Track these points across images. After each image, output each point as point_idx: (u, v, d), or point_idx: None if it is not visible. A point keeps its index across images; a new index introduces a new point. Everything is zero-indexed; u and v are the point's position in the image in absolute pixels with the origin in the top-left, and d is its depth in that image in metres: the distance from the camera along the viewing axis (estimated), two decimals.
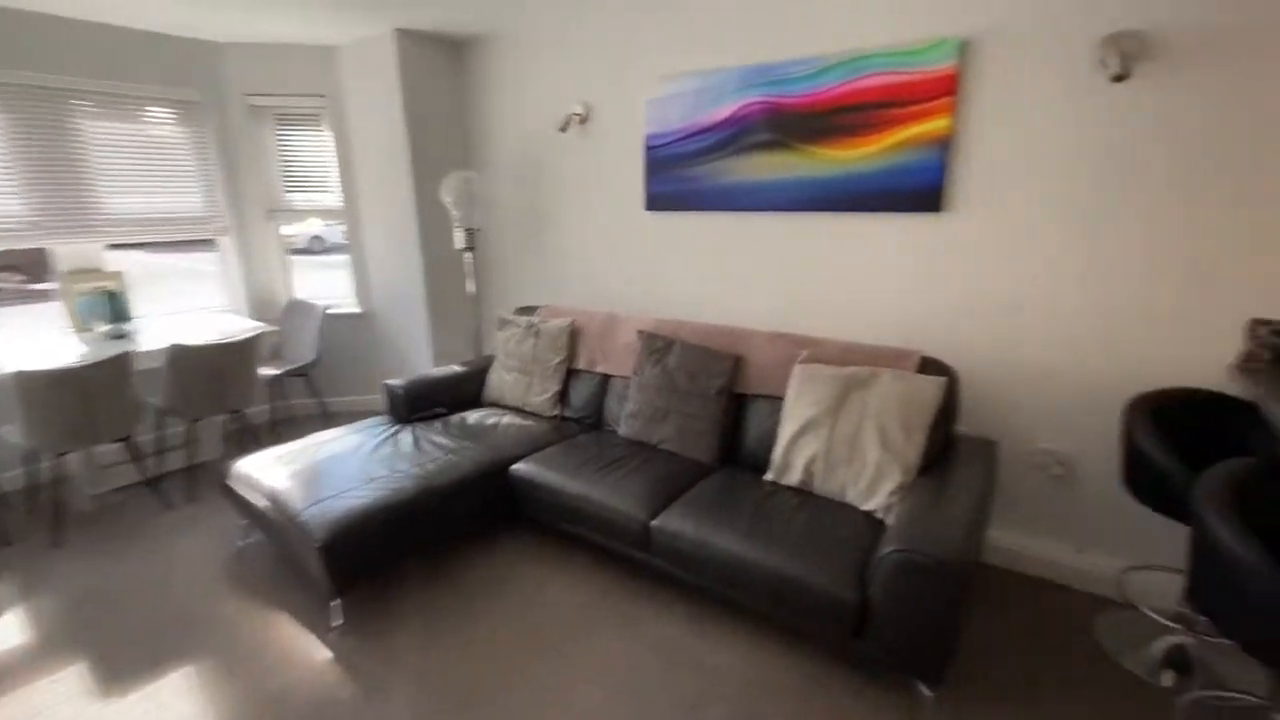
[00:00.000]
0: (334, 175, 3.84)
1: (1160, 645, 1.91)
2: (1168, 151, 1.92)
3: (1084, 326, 2.14)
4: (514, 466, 2.46)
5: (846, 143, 2.44)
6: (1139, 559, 2.18)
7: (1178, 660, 1.86)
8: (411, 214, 3.60)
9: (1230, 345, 1.94)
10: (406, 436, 2.64)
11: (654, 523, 2.06)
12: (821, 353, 2.31)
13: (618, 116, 3.09)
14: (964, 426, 2.42)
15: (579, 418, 2.90)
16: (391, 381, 2.92)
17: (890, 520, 1.86)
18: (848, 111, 2.41)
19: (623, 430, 2.65)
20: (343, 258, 4.00)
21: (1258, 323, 1.89)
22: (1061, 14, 2.00)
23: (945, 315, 2.38)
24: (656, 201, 3.02)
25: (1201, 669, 1.83)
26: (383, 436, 2.64)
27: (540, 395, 2.95)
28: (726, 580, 1.90)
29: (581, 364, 2.94)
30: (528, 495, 2.42)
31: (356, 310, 4.02)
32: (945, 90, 2.21)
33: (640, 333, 2.72)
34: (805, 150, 2.54)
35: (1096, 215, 2.06)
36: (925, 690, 1.74)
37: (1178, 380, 2.02)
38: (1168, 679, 1.81)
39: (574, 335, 2.99)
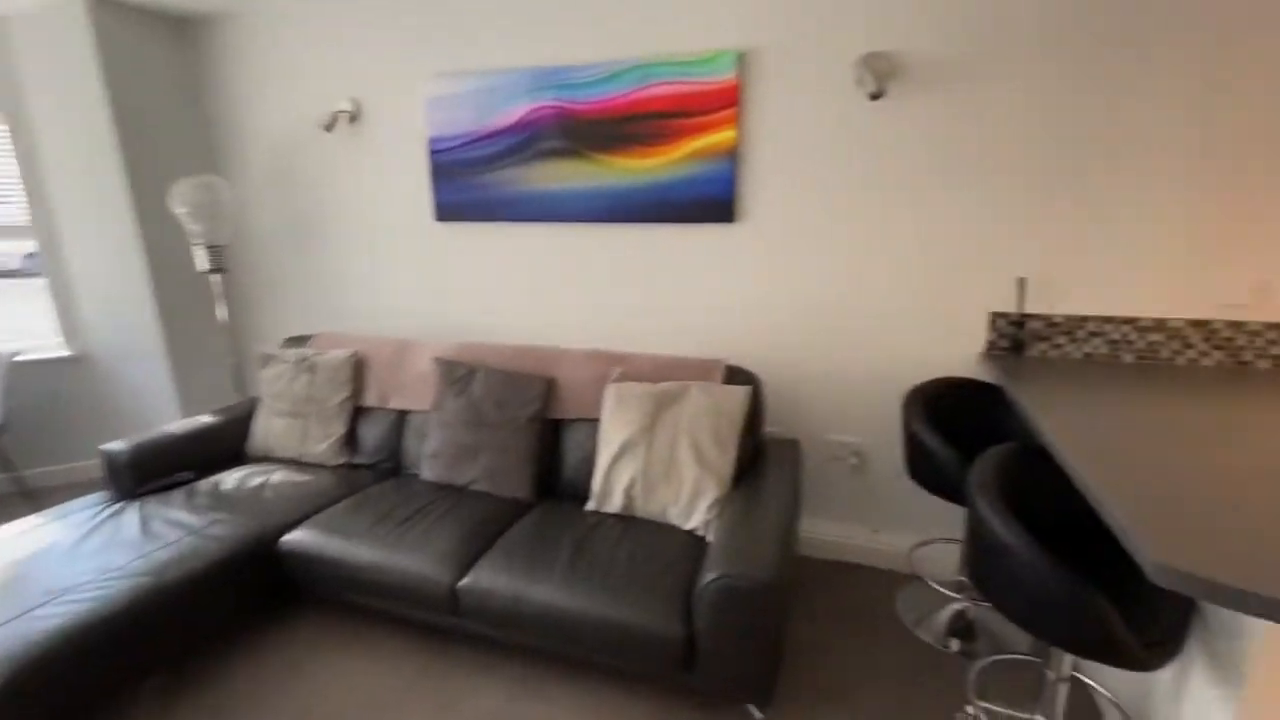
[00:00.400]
0: (14, 181, 2.94)
1: (946, 614, 2.11)
2: (920, 163, 2.12)
3: (863, 325, 2.30)
4: (285, 538, 2.02)
5: (640, 152, 2.38)
6: (927, 534, 2.41)
7: (960, 627, 2.06)
8: (131, 228, 2.88)
9: (981, 336, 2.20)
10: (131, 518, 2.05)
11: (461, 584, 1.79)
12: (633, 369, 2.22)
13: (395, 115, 2.73)
14: (773, 426, 2.49)
15: (373, 463, 2.51)
16: (111, 446, 2.27)
17: (711, 537, 1.81)
18: (639, 120, 2.35)
19: (426, 474, 2.32)
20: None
21: (996, 315, 2.16)
22: (822, 34, 2.11)
23: (746, 322, 2.43)
24: (447, 211, 2.72)
25: (984, 633, 2.04)
26: (96, 522, 2.03)
27: (321, 442, 2.50)
28: (549, 635, 1.71)
29: (371, 400, 2.55)
30: (305, 571, 2.00)
31: (64, 353, 3.13)
32: (729, 102, 2.23)
33: (438, 360, 2.41)
34: (600, 159, 2.43)
35: (867, 224, 2.22)
36: (756, 713, 1.71)
37: (946, 370, 2.25)
38: (955, 645, 1.99)
39: (359, 367, 2.58)
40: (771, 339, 2.42)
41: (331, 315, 3.12)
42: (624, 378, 2.19)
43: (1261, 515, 1.08)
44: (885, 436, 2.37)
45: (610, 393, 2.14)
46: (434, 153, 2.66)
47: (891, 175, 2.15)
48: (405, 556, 1.88)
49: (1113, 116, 1.92)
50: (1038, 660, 1.89)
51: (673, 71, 2.28)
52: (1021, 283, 2.10)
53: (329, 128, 2.80)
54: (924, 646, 2.01)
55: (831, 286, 2.31)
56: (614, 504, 2.05)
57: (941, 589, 2.18)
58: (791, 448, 2.24)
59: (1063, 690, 1.53)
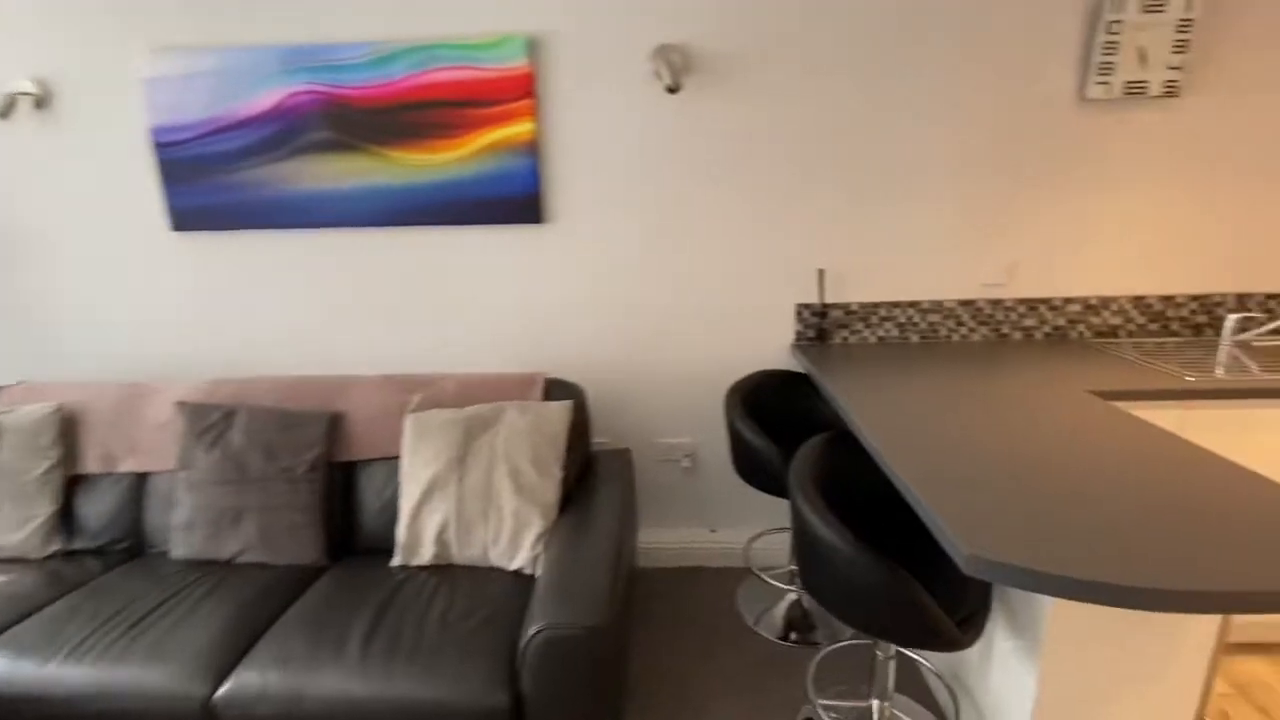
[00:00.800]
0: None
1: (783, 607, 2.13)
2: (721, 159, 2.10)
3: (683, 324, 2.25)
4: None
5: (429, 145, 2.09)
6: (763, 526, 2.43)
7: (796, 618, 2.09)
8: None
9: (791, 327, 2.24)
10: None
11: (219, 693, 1.40)
12: (438, 394, 1.94)
13: (100, 99, 2.15)
14: (602, 437, 2.35)
15: (100, 547, 1.94)
16: None
17: (539, 572, 1.61)
18: (421, 109, 2.06)
19: (178, 550, 1.83)
20: None
21: (802, 306, 2.22)
22: (616, 22, 2.00)
23: (565, 329, 2.26)
24: (187, 219, 2.20)
25: (821, 621, 2.08)
26: None
27: (17, 529, 1.87)
28: None
29: (91, 465, 1.97)
30: None
31: None
32: (524, 91, 2.04)
33: (182, 404, 1.92)
34: (380, 154, 2.11)
35: (678, 221, 2.15)
36: None
37: (764, 362, 2.27)
38: (794, 638, 2.01)
39: (68, 425, 1.98)
40: (594, 345, 2.28)
41: (36, 360, 2.40)
42: (426, 405, 1.90)
43: (1039, 494, 1.13)
44: (715, 434, 2.35)
45: (410, 424, 1.84)
46: (162, 146, 2.13)
47: (697, 171, 2.11)
48: (139, 670, 1.43)
49: (887, 117, 2.04)
50: (868, 641, 1.96)
51: (457, 55, 2.03)
52: (821, 274, 2.18)
53: (4, 114, 2.13)
54: (766, 644, 2.00)
55: (649, 286, 2.22)
56: (424, 554, 1.76)
57: (775, 582, 2.20)
58: (622, 458, 2.12)
59: (891, 668, 1.56)
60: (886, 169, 2.08)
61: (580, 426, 1.96)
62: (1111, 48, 1.89)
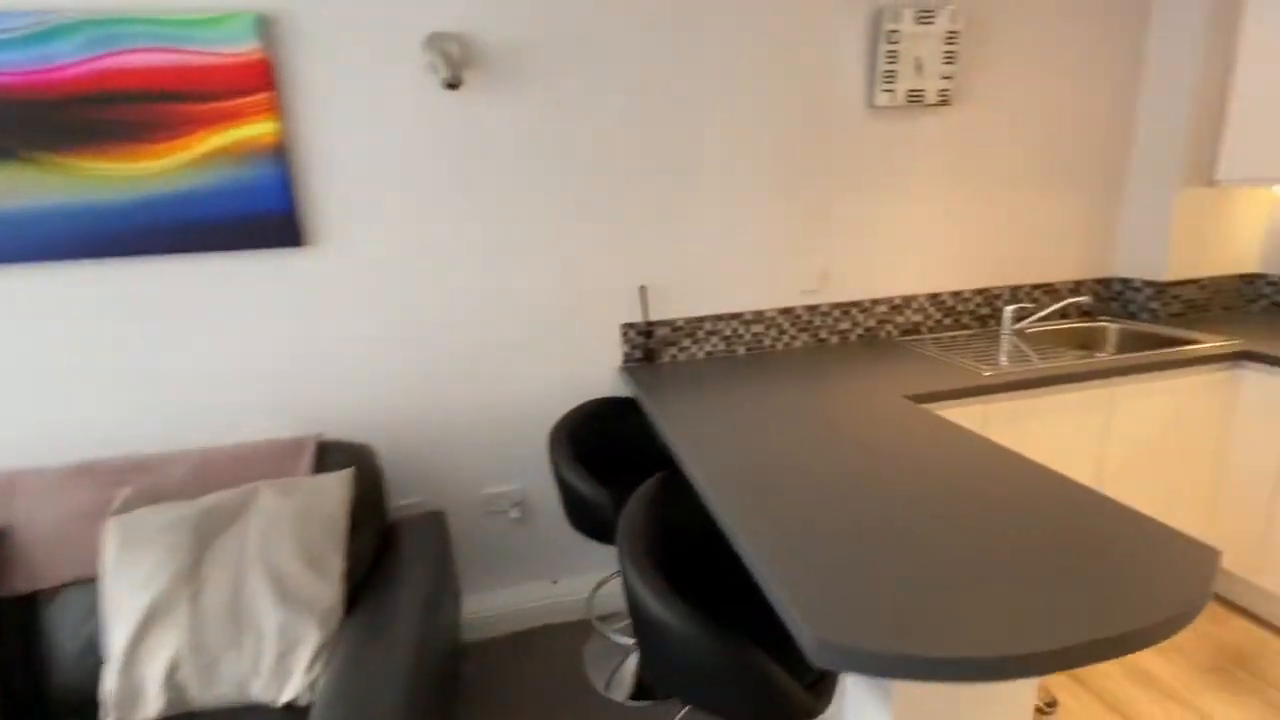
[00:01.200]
0: None
1: (632, 663, 1.93)
2: (519, 168, 1.84)
3: (498, 355, 1.96)
4: None
5: (125, 152, 1.58)
6: (607, 569, 2.21)
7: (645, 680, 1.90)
8: None
9: (619, 349, 2.05)
10: None
11: None
12: (158, 484, 1.45)
13: None
14: (412, 497, 1.98)
15: None
16: None
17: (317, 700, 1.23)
18: (113, 102, 1.55)
19: None
20: None
21: (627, 326, 2.04)
22: (369, 3, 1.66)
23: (347, 375, 1.86)
24: None
25: None
26: None
27: None
28: None
29: None
30: None
31: None
32: (259, 83, 1.62)
33: None
34: (54, 162, 1.55)
35: (479, 237, 1.86)
36: None
37: (594, 389, 2.05)
38: (646, 703, 1.81)
39: None
40: (387, 392, 1.90)
41: None
42: (139, 500, 1.41)
43: (872, 543, 1.02)
44: (546, 474, 2.08)
45: (113, 531, 1.35)
46: None
47: (493, 181, 1.83)
48: None
49: (692, 121, 1.93)
50: None
51: (155, 34, 1.55)
52: (643, 290, 2.01)
53: None
54: (618, 710, 1.78)
55: (451, 315, 1.90)
56: (150, 706, 1.29)
57: (621, 639, 1.98)
58: (434, 523, 1.77)
59: None
60: (698, 177, 1.97)
61: (371, 496, 1.60)
62: (892, 56, 1.95)
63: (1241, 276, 2.37)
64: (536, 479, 2.07)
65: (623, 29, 1.81)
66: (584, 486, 1.57)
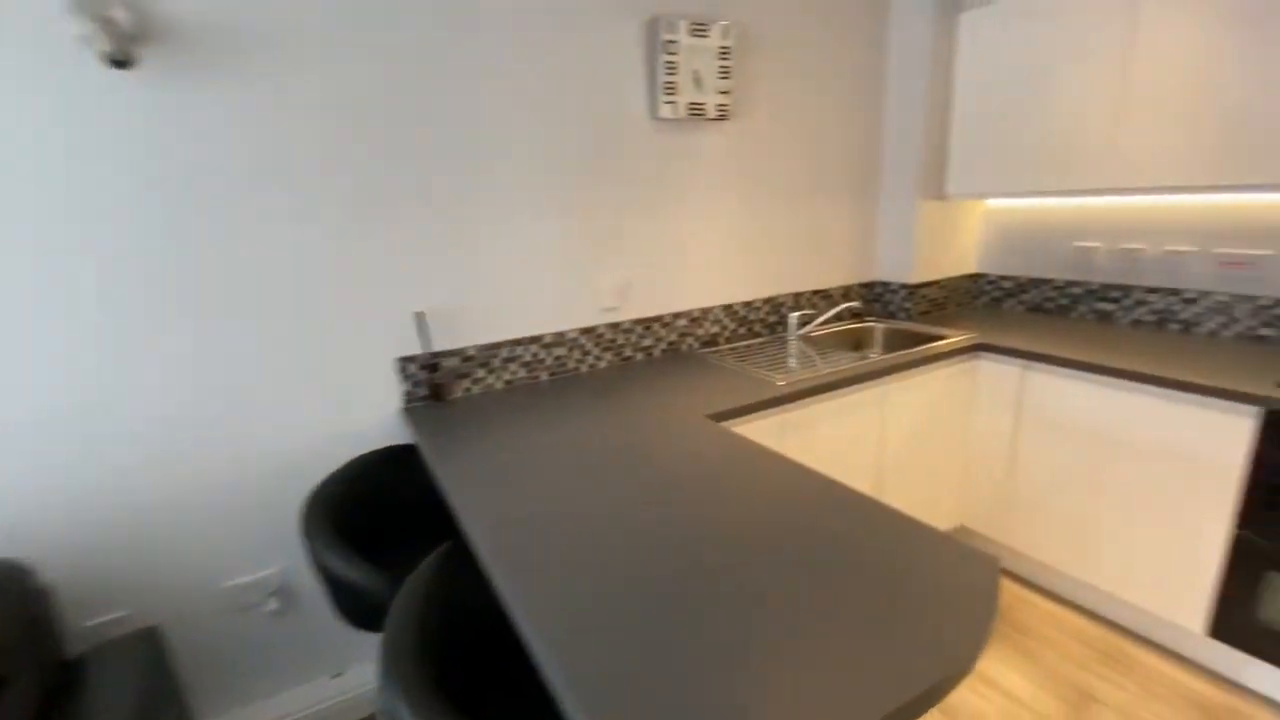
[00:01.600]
0: None
1: None
2: (239, 176, 1.46)
3: (235, 413, 1.54)
4: None
5: None
6: None
7: None
8: None
9: (397, 388, 1.74)
10: None
11: None
12: None
13: None
14: (118, 610, 1.48)
15: None
16: None
17: None
18: None
19: None
20: None
21: (404, 360, 1.75)
22: None
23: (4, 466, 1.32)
24: None
25: None
26: None
27: None
28: None
29: None
30: None
31: None
32: None
33: None
34: None
35: (178, 270, 1.44)
36: None
37: (370, 439, 1.72)
38: None
39: None
40: (55, 486, 1.39)
41: None
42: None
43: (671, 637, 0.90)
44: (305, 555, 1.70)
45: None
46: None
47: (206, 197, 1.43)
48: None
49: (472, 128, 1.70)
50: None
51: None
52: (420, 317, 1.74)
53: None
54: None
55: (152, 372, 1.45)
56: None
57: None
58: (144, 641, 1.33)
59: None
60: (483, 194, 1.75)
61: (29, 632, 1.13)
62: (671, 67, 1.91)
63: (968, 276, 2.77)
64: (298, 558, 1.69)
65: (378, 22, 1.52)
66: (348, 570, 1.26)
